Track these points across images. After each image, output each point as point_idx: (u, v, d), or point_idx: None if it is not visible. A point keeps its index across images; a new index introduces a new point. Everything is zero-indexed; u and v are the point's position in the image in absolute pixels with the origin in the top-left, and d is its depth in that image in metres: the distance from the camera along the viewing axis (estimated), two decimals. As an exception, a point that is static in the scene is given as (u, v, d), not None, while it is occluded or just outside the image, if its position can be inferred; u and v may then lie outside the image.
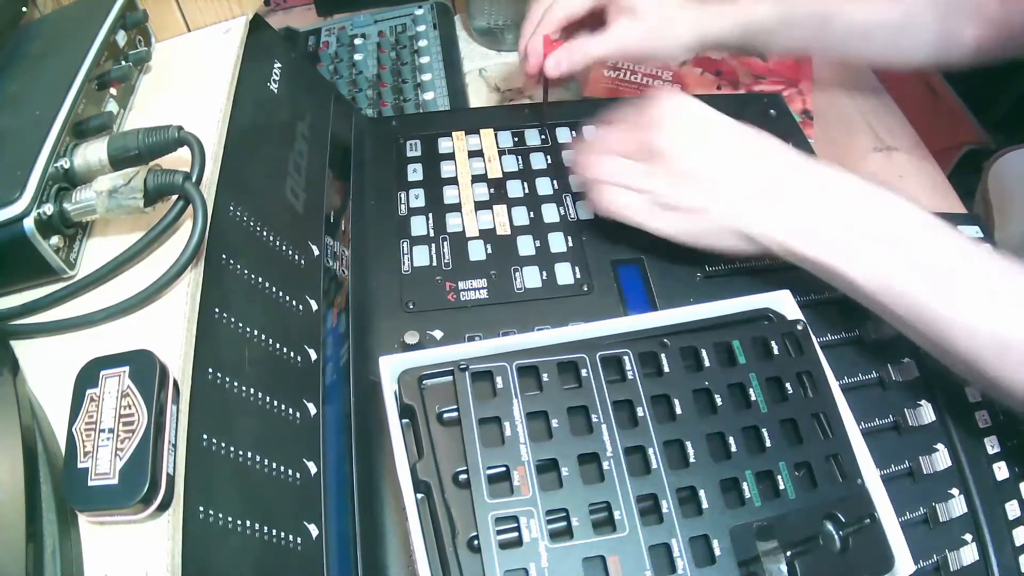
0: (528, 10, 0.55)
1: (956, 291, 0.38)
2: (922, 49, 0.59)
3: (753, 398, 0.37)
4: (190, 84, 0.47)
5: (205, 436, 0.31)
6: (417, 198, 0.54)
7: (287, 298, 0.40)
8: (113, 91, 0.44)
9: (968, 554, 0.41)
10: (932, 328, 0.38)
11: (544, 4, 0.55)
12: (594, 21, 0.55)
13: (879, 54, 0.61)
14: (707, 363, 0.38)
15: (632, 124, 0.45)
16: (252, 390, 0.35)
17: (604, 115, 0.48)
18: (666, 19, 0.54)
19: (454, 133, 0.59)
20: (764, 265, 0.49)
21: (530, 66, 0.55)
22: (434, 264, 0.50)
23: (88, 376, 0.32)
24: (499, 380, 0.36)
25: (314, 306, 0.42)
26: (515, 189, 0.55)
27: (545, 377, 0.36)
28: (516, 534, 0.32)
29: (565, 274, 0.50)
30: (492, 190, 0.55)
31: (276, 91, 0.50)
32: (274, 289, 0.40)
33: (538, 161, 0.57)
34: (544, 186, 0.55)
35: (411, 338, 0.46)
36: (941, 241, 0.39)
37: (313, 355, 0.40)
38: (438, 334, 0.46)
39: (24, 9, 0.47)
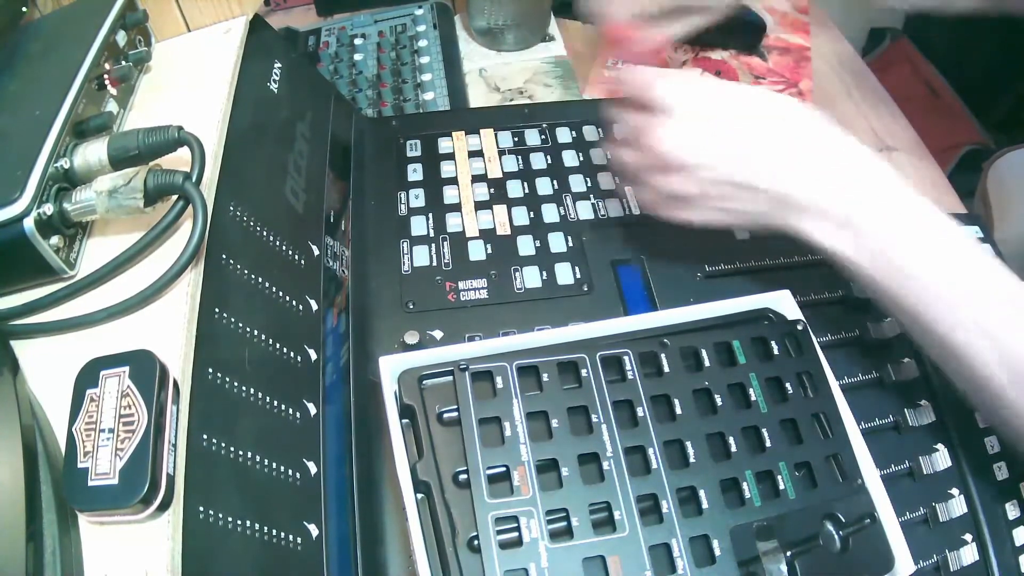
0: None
1: (980, 312, 0.36)
2: None
3: (753, 398, 0.37)
4: (190, 84, 0.47)
5: (205, 436, 0.31)
6: (417, 198, 0.54)
7: (287, 298, 0.40)
8: (113, 91, 0.44)
9: (968, 554, 0.41)
10: (954, 352, 0.36)
11: None
12: None
13: None
14: (707, 363, 0.38)
15: (636, 117, 0.42)
16: (252, 390, 0.35)
17: (610, 114, 0.46)
18: None
19: (454, 133, 0.59)
20: (764, 265, 0.49)
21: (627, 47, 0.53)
22: (434, 264, 0.50)
23: (88, 376, 0.32)
24: (499, 380, 0.36)
25: (314, 306, 0.42)
26: (515, 189, 0.55)
27: (545, 377, 0.36)
28: (516, 534, 0.32)
29: (565, 274, 0.50)
30: (492, 190, 0.55)
31: (276, 91, 0.50)
32: (274, 289, 0.40)
33: (538, 161, 0.57)
34: (544, 186, 0.55)
35: (411, 338, 0.46)
36: (973, 263, 0.37)
37: (313, 355, 0.40)
38: (438, 334, 0.46)
39: (24, 9, 0.47)
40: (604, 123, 0.60)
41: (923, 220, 0.38)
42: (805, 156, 0.39)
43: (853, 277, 0.40)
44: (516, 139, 0.58)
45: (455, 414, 0.35)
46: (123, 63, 0.46)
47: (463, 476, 0.34)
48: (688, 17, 0.55)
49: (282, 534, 0.33)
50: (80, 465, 0.29)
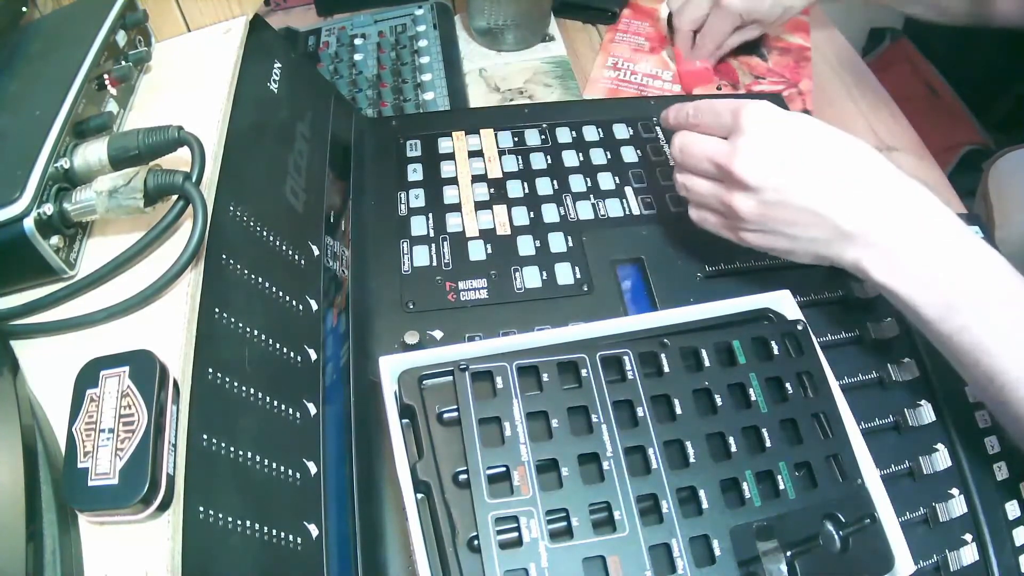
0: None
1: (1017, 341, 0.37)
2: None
3: (753, 398, 0.37)
4: (190, 84, 0.47)
5: (205, 436, 0.31)
6: (417, 198, 0.54)
7: (287, 298, 0.40)
8: (113, 91, 0.44)
9: (968, 554, 0.41)
10: (996, 381, 0.37)
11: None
12: None
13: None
14: (707, 363, 0.38)
15: (708, 141, 0.44)
16: (252, 390, 0.35)
17: (680, 114, 0.46)
18: None
19: (454, 133, 0.59)
20: (764, 265, 0.49)
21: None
22: (434, 264, 0.50)
23: (88, 376, 0.32)
24: (499, 380, 0.36)
25: (314, 306, 0.42)
26: (515, 189, 0.55)
27: (545, 377, 0.36)
28: (516, 534, 0.32)
29: (565, 274, 0.50)
30: (492, 190, 0.55)
31: (276, 91, 0.50)
32: (274, 289, 0.40)
33: (538, 161, 0.57)
34: (544, 186, 0.55)
35: (411, 338, 0.46)
36: (1012, 293, 0.38)
37: (313, 355, 0.40)
38: (438, 334, 0.46)
39: (24, 9, 0.47)
40: (604, 123, 0.60)
41: (967, 251, 0.39)
42: (862, 189, 0.40)
43: (899, 307, 0.41)
44: (516, 139, 0.58)
45: (455, 414, 0.35)
46: (123, 63, 0.46)
47: (463, 476, 0.34)
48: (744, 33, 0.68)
49: (282, 534, 0.33)
50: (80, 465, 0.29)
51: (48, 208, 0.36)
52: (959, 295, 0.38)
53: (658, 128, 0.60)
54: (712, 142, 0.43)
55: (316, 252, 0.45)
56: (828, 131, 0.42)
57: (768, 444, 0.36)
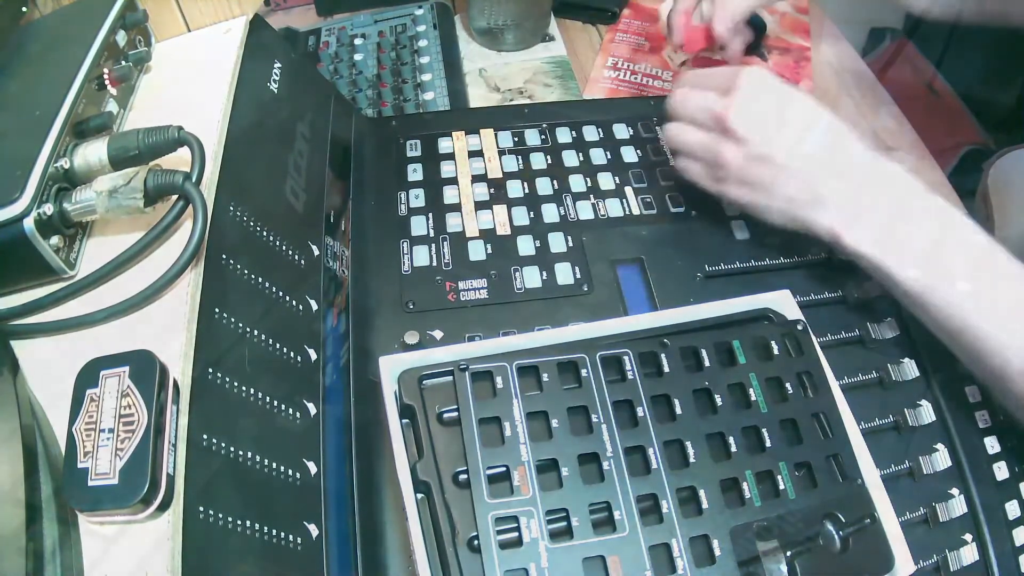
0: None
1: (992, 305, 0.38)
2: None
3: (753, 398, 0.37)
4: (190, 84, 0.47)
5: (205, 436, 0.31)
6: (417, 198, 0.54)
7: (287, 298, 0.40)
8: (113, 91, 0.44)
9: (968, 554, 0.41)
10: (964, 336, 0.39)
11: None
12: None
13: None
14: (707, 363, 0.38)
15: (708, 94, 0.46)
16: (252, 390, 0.35)
17: (684, 79, 0.49)
18: None
19: (454, 133, 0.59)
20: (764, 265, 0.49)
21: (676, 39, 0.62)
22: (434, 264, 0.50)
23: (88, 376, 0.32)
24: (499, 380, 0.36)
25: (314, 306, 0.42)
26: (515, 189, 0.55)
27: (545, 377, 0.36)
28: (516, 534, 0.32)
29: (565, 274, 0.50)
30: (492, 190, 0.55)
31: (276, 91, 0.50)
32: (274, 289, 0.40)
33: (538, 161, 0.57)
34: (544, 186, 0.55)
35: (411, 338, 0.46)
36: (985, 258, 0.40)
37: (313, 355, 0.40)
38: (438, 334, 0.46)
39: (24, 9, 0.47)
40: (604, 123, 0.60)
41: (931, 213, 0.41)
42: (841, 159, 0.43)
43: (872, 273, 0.43)
44: (516, 139, 0.58)
45: (455, 414, 0.35)
46: (123, 63, 0.46)
47: (463, 476, 0.34)
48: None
49: (282, 534, 0.33)
50: (80, 465, 0.29)
51: (48, 208, 0.36)
52: (930, 258, 0.40)
53: (658, 128, 0.60)
54: (711, 94, 0.46)
55: (316, 252, 0.45)
56: (817, 104, 0.44)
57: (768, 444, 0.36)
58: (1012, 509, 0.43)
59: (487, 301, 0.48)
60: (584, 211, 0.53)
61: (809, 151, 0.43)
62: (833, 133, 0.44)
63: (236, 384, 0.34)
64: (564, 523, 0.33)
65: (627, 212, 0.54)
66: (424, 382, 0.36)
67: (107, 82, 0.44)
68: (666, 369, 0.37)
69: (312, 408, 0.38)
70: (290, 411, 0.37)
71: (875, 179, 0.42)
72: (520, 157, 0.57)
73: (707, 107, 0.46)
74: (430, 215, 0.53)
